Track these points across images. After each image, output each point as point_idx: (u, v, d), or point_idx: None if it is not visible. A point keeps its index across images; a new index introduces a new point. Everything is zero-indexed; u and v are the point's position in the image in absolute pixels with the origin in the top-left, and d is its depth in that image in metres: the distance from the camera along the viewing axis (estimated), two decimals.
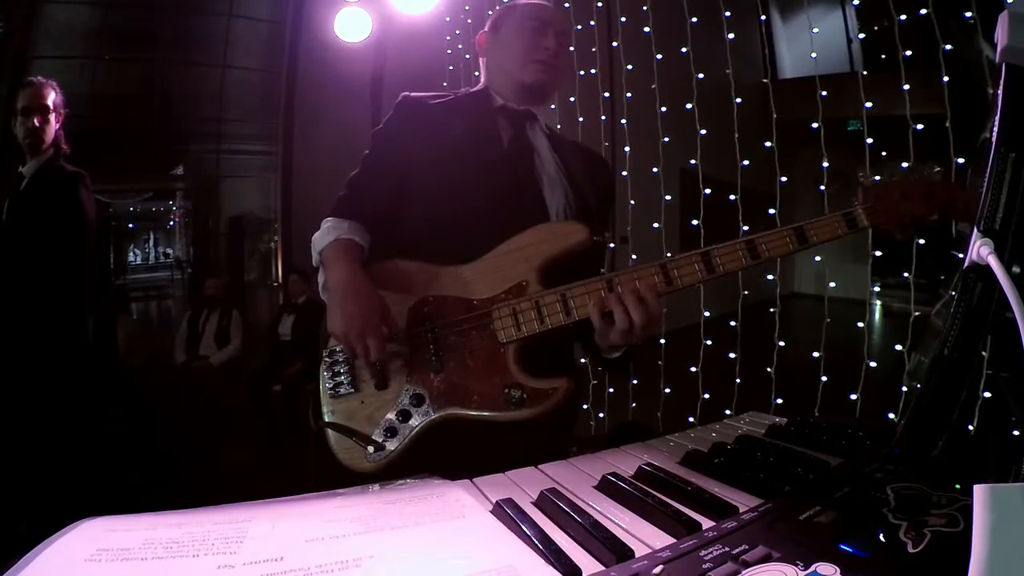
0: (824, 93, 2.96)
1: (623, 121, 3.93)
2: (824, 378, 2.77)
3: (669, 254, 0.96)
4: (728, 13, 3.42)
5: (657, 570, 0.41)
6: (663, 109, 3.53)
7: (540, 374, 0.92)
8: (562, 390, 0.90)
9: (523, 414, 0.89)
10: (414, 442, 0.92)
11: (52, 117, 2.00)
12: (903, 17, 2.76)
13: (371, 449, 0.92)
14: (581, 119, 3.77)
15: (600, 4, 3.74)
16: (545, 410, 0.89)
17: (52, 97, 2.01)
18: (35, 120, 1.96)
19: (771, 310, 3.03)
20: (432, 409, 0.93)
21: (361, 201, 1.06)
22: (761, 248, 0.89)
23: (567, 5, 3.75)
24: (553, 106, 3.71)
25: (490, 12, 1.30)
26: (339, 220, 1.03)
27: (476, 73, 1.20)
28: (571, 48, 1.17)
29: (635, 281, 0.89)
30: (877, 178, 0.91)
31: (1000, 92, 0.58)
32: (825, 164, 3.02)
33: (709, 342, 3.17)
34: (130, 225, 7.75)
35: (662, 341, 3.34)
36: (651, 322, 0.87)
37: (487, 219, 0.98)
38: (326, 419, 0.96)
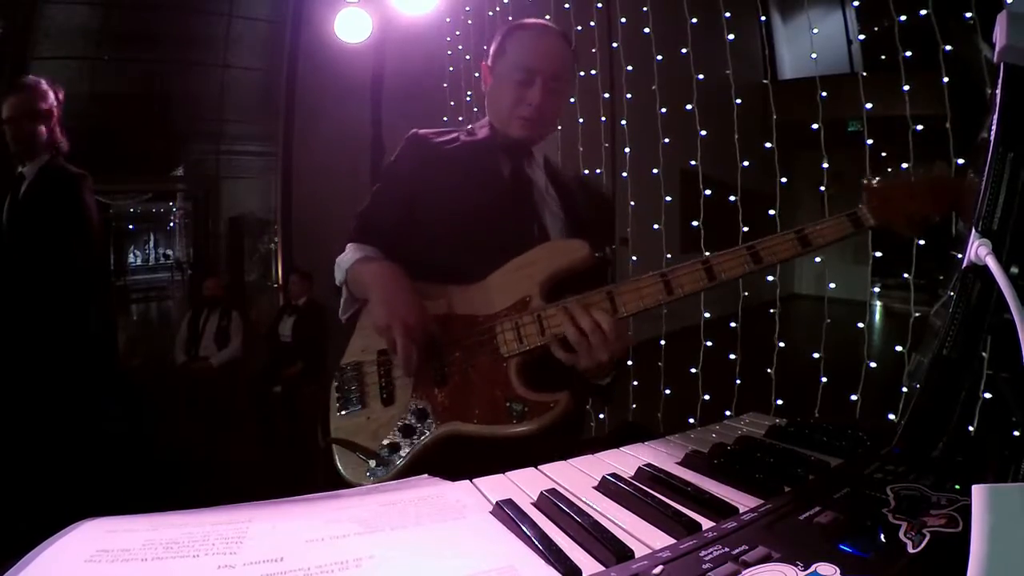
0: (824, 94, 2.97)
1: (623, 122, 3.93)
2: (824, 379, 2.77)
3: (669, 255, 0.97)
4: (728, 14, 3.42)
5: (657, 570, 0.41)
6: (663, 110, 3.53)
7: (541, 388, 0.92)
8: (563, 403, 0.90)
9: (523, 428, 0.89)
10: (416, 459, 0.92)
11: (42, 120, 1.94)
12: (903, 18, 2.76)
13: (373, 463, 0.92)
14: (581, 120, 3.77)
15: (600, 5, 3.74)
16: (544, 424, 0.89)
17: (39, 101, 1.95)
18: (23, 127, 1.91)
19: (771, 311, 3.03)
20: (434, 424, 0.93)
21: (373, 231, 1.11)
22: (765, 254, 0.88)
23: (567, 6, 3.76)
24: None
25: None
26: (362, 245, 1.09)
27: (475, 108, 1.22)
28: (568, 84, 1.16)
29: (589, 307, 0.90)
30: (876, 180, 0.90)
31: (999, 92, 0.59)
32: (825, 165, 3.03)
33: (709, 343, 3.17)
34: (130, 226, 7.75)
35: (662, 342, 3.34)
36: (602, 339, 0.88)
37: (489, 244, 1.01)
38: (333, 435, 0.97)
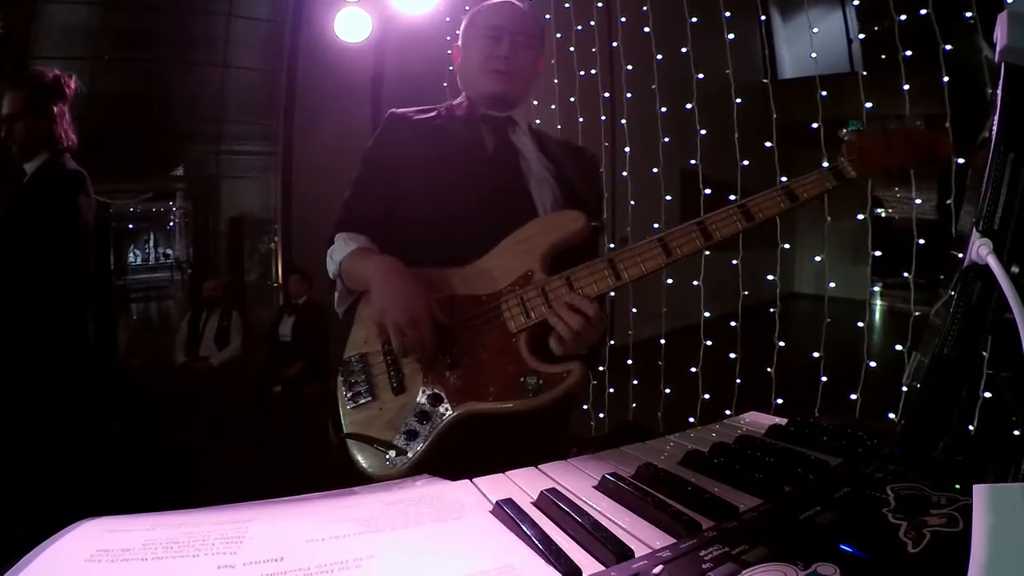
0: (824, 93, 2.96)
1: (623, 121, 3.93)
2: (824, 378, 2.77)
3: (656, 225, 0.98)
4: (728, 13, 3.42)
5: (657, 570, 0.41)
6: (663, 109, 3.53)
7: (553, 359, 0.93)
8: (577, 371, 0.91)
9: (541, 400, 0.90)
10: (434, 444, 0.92)
11: (42, 118, 1.90)
12: (903, 17, 2.77)
13: (392, 454, 0.91)
14: (581, 119, 3.77)
15: (600, 4, 3.74)
16: (561, 393, 0.90)
17: (40, 97, 1.90)
18: (21, 126, 1.87)
19: (771, 310, 3.03)
20: (450, 407, 0.93)
21: (361, 218, 1.09)
22: (755, 211, 0.92)
23: (567, 5, 3.75)
24: (553, 106, 3.73)
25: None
26: (352, 234, 1.07)
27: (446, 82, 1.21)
28: (537, 43, 1.16)
29: (571, 289, 0.93)
30: (850, 133, 0.94)
31: (999, 92, 0.59)
32: (825, 164, 3.02)
33: (709, 342, 3.17)
34: (130, 225, 7.74)
35: (662, 341, 3.34)
36: (590, 327, 0.91)
37: (478, 223, 1.01)
38: (345, 430, 0.96)
